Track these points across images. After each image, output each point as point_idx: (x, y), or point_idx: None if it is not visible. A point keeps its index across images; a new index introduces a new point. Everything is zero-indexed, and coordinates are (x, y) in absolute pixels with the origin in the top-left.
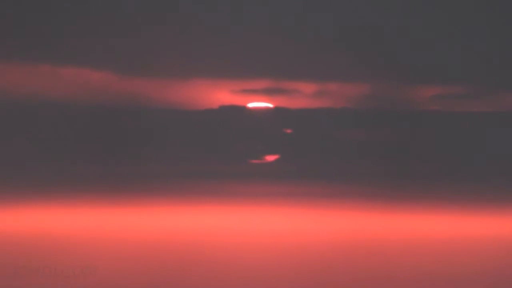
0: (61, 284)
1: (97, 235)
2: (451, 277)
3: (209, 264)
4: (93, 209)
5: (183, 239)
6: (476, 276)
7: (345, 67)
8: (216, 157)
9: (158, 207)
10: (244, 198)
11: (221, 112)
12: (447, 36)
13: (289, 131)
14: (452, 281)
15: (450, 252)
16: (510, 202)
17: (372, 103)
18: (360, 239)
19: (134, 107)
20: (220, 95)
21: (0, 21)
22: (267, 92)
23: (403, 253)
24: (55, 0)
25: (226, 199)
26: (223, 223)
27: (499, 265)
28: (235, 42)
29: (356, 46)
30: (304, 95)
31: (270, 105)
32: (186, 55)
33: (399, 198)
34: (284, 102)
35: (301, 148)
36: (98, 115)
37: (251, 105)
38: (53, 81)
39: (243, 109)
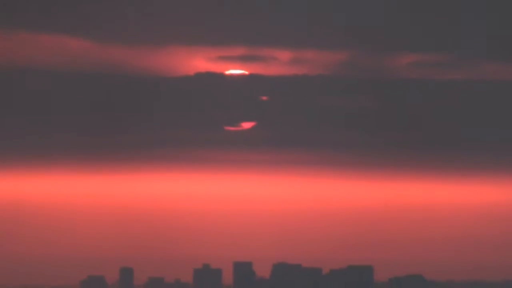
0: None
1: (75, 202)
2: (434, 242)
3: (185, 230)
4: (70, 176)
5: (160, 205)
6: (457, 240)
7: (321, 35)
8: (192, 124)
9: (134, 174)
10: (221, 165)
11: (197, 79)
12: (424, 5)
13: (265, 98)
14: (436, 245)
15: (430, 218)
16: (488, 169)
17: (348, 70)
18: (336, 205)
19: (110, 75)
20: (196, 62)
21: None
22: (243, 59)
23: (380, 219)
24: None
25: (203, 166)
26: (200, 189)
27: (479, 230)
28: (211, 9)
29: (333, 14)
30: (280, 62)
31: (246, 72)
32: (162, 22)
33: (376, 165)
34: (260, 69)
35: (277, 115)
36: (75, 82)
37: (227, 72)
38: (31, 49)
39: (219, 76)
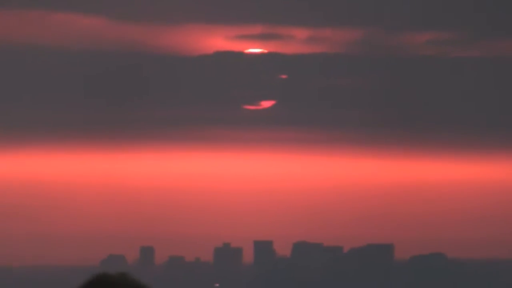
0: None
1: (96, 181)
2: (456, 220)
3: (206, 209)
4: (90, 156)
5: (180, 185)
6: (464, 217)
7: (338, 13)
8: (210, 103)
9: (155, 153)
10: (241, 143)
11: (216, 58)
12: None
13: (284, 76)
14: (457, 223)
15: (451, 196)
16: (497, 148)
17: (366, 49)
18: (355, 183)
19: (126, 53)
20: (215, 41)
21: None
22: (261, 38)
23: (402, 197)
24: None
25: (223, 145)
26: (219, 168)
27: (486, 207)
28: None
29: None
30: (298, 41)
31: (265, 51)
32: (179, 0)
33: (397, 143)
34: (279, 47)
35: (296, 94)
36: (90, 60)
37: (245, 51)
38: (46, 27)
39: (238, 55)
